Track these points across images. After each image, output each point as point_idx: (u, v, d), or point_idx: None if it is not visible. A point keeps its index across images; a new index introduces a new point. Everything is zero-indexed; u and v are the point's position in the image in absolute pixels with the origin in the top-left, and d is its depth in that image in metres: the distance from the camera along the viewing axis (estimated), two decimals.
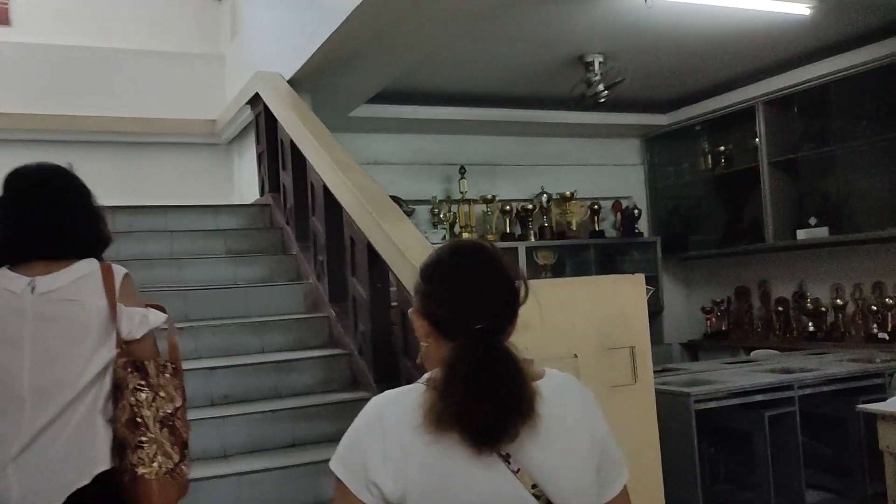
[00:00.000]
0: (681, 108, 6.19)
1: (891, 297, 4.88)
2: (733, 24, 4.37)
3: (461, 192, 5.75)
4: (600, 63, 4.80)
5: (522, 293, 1.22)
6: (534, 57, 4.81)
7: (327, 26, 3.64)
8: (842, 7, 4.11)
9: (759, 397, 3.56)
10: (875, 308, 4.96)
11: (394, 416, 1.12)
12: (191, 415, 1.79)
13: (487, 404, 1.07)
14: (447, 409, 1.07)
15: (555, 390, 1.17)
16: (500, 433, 1.08)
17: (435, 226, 5.72)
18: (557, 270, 6.04)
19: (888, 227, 4.76)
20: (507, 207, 5.86)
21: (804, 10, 4.02)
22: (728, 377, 3.83)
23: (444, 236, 5.66)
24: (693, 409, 3.40)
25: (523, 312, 1.26)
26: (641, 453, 2.77)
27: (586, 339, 2.86)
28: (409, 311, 1.28)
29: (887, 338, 4.79)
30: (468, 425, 1.07)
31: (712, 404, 3.48)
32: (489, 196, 5.78)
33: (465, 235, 5.63)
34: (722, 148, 6.01)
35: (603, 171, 6.54)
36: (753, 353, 5.04)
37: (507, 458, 1.09)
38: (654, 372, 3.01)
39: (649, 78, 5.39)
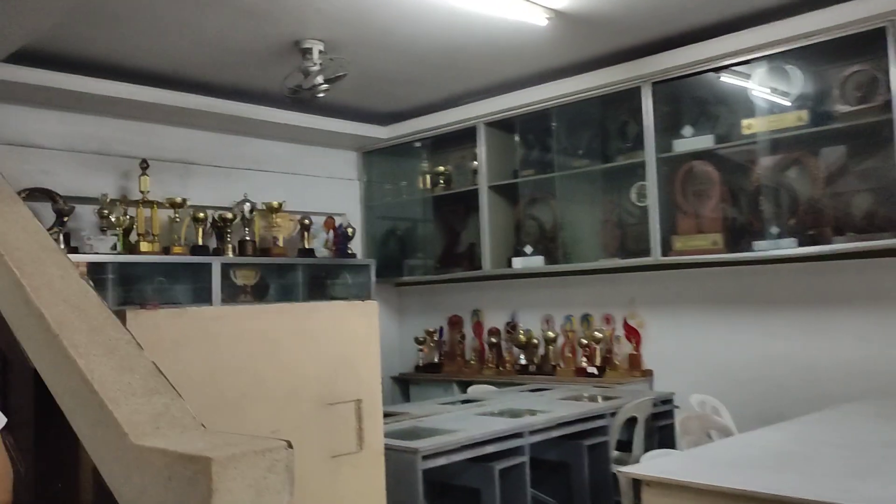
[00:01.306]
0: (402, 122, 5.76)
1: (598, 331, 4.86)
2: (470, 30, 3.99)
3: (142, 192, 4.63)
4: (320, 52, 4.11)
5: None
6: (242, 34, 3.97)
7: None
8: (578, 24, 3.92)
9: (490, 448, 3.10)
10: (584, 341, 4.92)
11: None
12: None
13: None
14: None
15: None
16: None
17: (104, 231, 4.52)
18: (259, 292, 5.18)
19: (598, 258, 4.74)
20: (202, 215, 4.87)
21: (542, 20, 3.75)
22: (453, 423, 3.33)
23: (116, 245, 4.49)
24: (420, 468, 2.81)
25: None
26: None
27: (298, 392, 2.09)
28: None
29: (596, 372, 4.75)
30: None
31: (441, 460, 2.93)
32: (178, 199, 4.74)
33: (145, 245, 4.52)
34: (442, 168, 5.69)
35: (316, 184, 5.85)
36: (470, 390, 4.69)
37: None
38: None
39: (371, 83, 4.84)
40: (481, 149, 5.25)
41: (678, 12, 3.84)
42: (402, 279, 5.94)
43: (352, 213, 6.07)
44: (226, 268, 4.90)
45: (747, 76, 4.08)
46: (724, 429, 3.36)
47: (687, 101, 4.40)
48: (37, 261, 1.72)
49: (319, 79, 4.10)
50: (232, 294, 4.97)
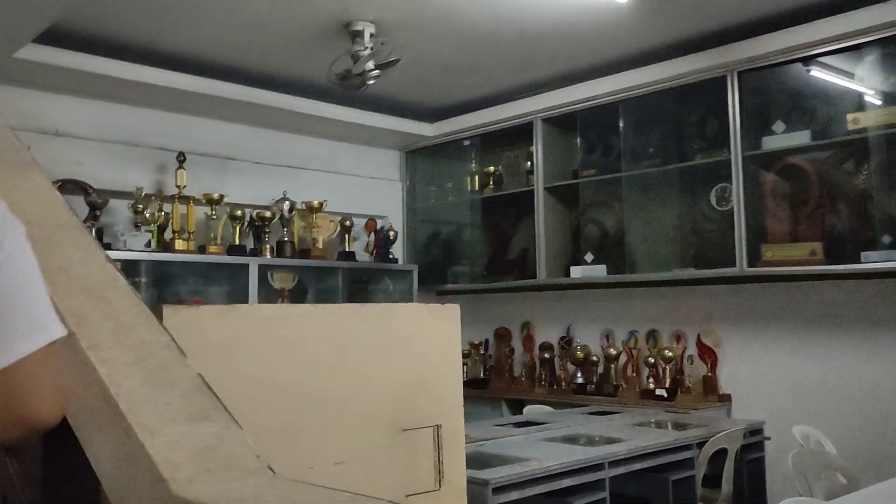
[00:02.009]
0: (450, 118, 5.38)
1: (669, 349, 4.41)
2: (540, 12, 3.60)
3: (178, 187, 4.29)
4: (371, 35, 3.75)
5: None
6: (287, 16, 3.62)
7: None
8: (661, 3, 3.51)
9: (566, 481, 2.68)
10: (651, 360, 4.47)
11: None
12: None
13: None
14: None
15: None
16: None
17: (138, 227, 4.18)
18: (297, 296, 4.81)
19: (671, 267, 4.30)
20: (239, 213, 4.52)
21: None
22: (518, 450, 2.91)
23: (150, 242, 4.14)
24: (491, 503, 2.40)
25: None
26: None
27: (368, 414, 1.70)
28: None
29: (665, 394, 4.29)
30: None
31: (514, 494, 2.51)
32: (216, 196, 4.40)
33: (180, 243, 4.17)
34: (492, 168, 5.29)
35: (357, 184, 5.49)
36: (526, 410, 4.26)
37: None
38: None
39: (421, 73, 4.46)
40: (538, 147, 4.85)
41: None
42: (446, 287, 5.53)
43: (393, 216, 5.69)
44: (263, 269, 4.54)
45: (854, 64, 3.64)
46: (844, 470, 2.89)
47: (779, 93, 3.95)
48: (52, 239, 1.34)
49: (370, 64, 3.73)
50: (269, 298, 4.61)
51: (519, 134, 5.06)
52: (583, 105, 4.61)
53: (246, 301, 4.38)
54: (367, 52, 3.69)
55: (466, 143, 5.41)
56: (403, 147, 5.75)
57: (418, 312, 1.80)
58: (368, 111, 5.13)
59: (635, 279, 4.46)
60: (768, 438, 3.60)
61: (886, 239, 3.47)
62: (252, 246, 4.66)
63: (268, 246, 4.61)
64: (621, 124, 4.50)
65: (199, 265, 4.31)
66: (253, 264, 4.44)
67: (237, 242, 4.50)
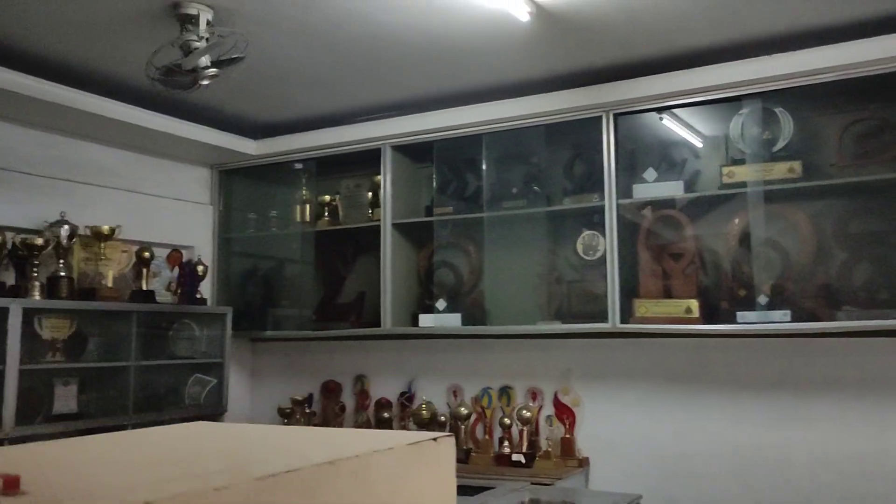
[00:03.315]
0: (278, 136, 4.61)
1: (525, 409, 3.99)
2: (418, 23, 3.04)
3: None
4: (208, 22, 2.95)
5: None
6: None
7: None
8: (558, 28, 3.11)
9: None
10: (507, 420, 4.01)
11: None
12: None
13: None
14: None
15: None
16: None
17: None
18: (73, 349, 3.73)
19: (536, 320, 3.90)
20: (0, 239, 3.40)
21: (524, 14, 2.90)
22: None
23: None
24: None
25: None
26: None
27: None
28: None
29: (523, 460, 3.85)
30: None
31: None
32: None
33: None
34: (328, 198, 4.59)
35: (157, 206, 4.50)
36: None
37: None
38: None
39: (252, 78, 3.68)
40: (386, 177, 4.25)
41: (677, 29, 3.16)
42: (265, 334, 4.70)
43: (202, 246, 4.76)
44: (29, 314, 3.44)
45: (730, 115, 3.50)
46: None
47: (652, 139, 3.74)
48: None
49: (205, 59, 2.91)
50: (34, 352, 3.51)
51: (362, 161, 4.43)
52: (441, 134, 4.10)
53: (2, 361, 3.26)
54: (203, 43, 2.87)
55: (298, 166, 4.67)
56: (215, 164, 4.86)
57: (405, 458, 1.11)
58: (174, 118, 4.21)
59: (494, 331, 4.00)
60: None
61: (763, 299, 3.32)
62: (14, 282, 3.54)
63: (37, 283, 3.52)
64: (483, 159, 4.05)
65: None
66: (15, 307, 3.33)
67: None
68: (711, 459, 3.63)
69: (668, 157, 3.70)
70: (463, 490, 3.38)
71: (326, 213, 4.57)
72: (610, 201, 3.61)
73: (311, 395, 4.73)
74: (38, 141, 3.89)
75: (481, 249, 4.16)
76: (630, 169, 3.70)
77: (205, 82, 2.94)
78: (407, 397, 4.46)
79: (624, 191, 3.64)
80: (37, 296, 3.49)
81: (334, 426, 4.53)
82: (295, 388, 4.78)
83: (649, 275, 3.59)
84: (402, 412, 4.43)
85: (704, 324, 3.39)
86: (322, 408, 4.68)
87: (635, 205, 3.66)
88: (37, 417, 3.54)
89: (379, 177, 4.31)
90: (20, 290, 3.49)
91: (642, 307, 3.54)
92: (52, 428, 3.55)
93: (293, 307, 4.70)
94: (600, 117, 3.66)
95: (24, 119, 3.77)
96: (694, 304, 3.42)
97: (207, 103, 4.08)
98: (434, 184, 4.25)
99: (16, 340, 3.32)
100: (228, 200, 4.88)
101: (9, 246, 3.49)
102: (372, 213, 4.40)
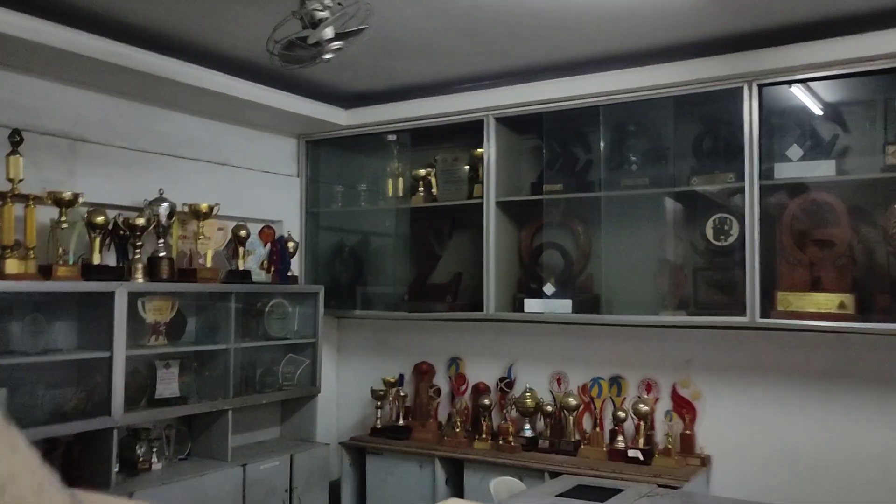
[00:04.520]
0: (370, 106, 4.35)
1: (641, 401, 3.76)
2: None
3: (10, 180, 2.93)
4: None
5: None
6: None
7: None
8: None
9: None
10: (622, 414, 3.79)
11: None
12: None
13: None
14: None
15: None
16: None
17: None
18: (174, 332, 3.58)
19: (658, 311, 3.63)
20: (101, 219, 3.22)
21: None
22: None
23: None
24: None
25: None
26: None
27: None
28: None
29: (640, 457, 3.63)
30: None
31: None
32: (67, 194, 3.07)
33: (14, 263, 2.81)
34: (423, 172, 4.34)
35: (245, 179, 4.30)
36: (493, 485, 3.39)
37: None
38: None
39: (354, 46, 3.41)
40: (490, 151, 3.98)
41: None
42: (354, 312, 4.52)
43: (289, 222, 4.56)
44: (133, 298, 3.28)
45: (893, 88, 3.15)
46: None
47: (795, 113, 3.40)
48: None
49: (329, 31, 2.65)
50: (138, 335, 3.36)
51: (460, 133, 4.16)
52: (552, 106, 3.81)
53: (110, 344, 3.11)
54: (327, 13, 2.60)
55: (391, 137, 4.41)
56: (302, 134, 4.63)
57: None
58: (261, 85, 3.96)
59: (610, 321, 3.75)
60: None
61: None
62: (118, 263, 3.38)
63: (139, 265, 3.35)
64: (600, 133, 3.75)
65: (40, 296, 2.99)
66: (121, 292, 3.17)
67: (97, 261, 3.20)
68: (855, 466, 3.37)
69: (814, 134, 3.36)
70: (585, 491, 3.20)
71: (421, 188, 4.33)
72: (751, 182, 3.30)
73: (401, 377, 4.56)
74: (130, 110, 3.68)
75: (592, 230, 3.89)
76: (771, 146, 3.38)
77: (328, 56, 2.68)
78: (507, 383, 4.26)
79: (764, 171, 3.33)
80: (140, 278, 3.32)
81: (428, 411, 4.35)
82: (383, 368, 4.60)
83: (793, 265, 3.30)
84: (501, 399, 4.23)
85: (861, 321, 3.09)
86: (414, 390, 4.51)
87: (778, 186, 3.35)
88: (140, 402, 3.42)
89: (479, 150, 4.05)
90: (123, 272, 3.33)
91: (785, 300, 3.25)
92: (158, 414, 3.42)
93: (384, 286, 4.50)
94: (741, 88, 3.33)
95: (114, 88, 3.56)
96: (848, 298, 3.12)
97: (295, 71, 3.82)
98: (544, 160, 3.96)
99: (122, 325, 3.16)
100: (316, 173, 4.66)
101: (110, 226, 3.30)
102: (471, 189, 4.15)
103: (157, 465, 3.50)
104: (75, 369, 3.17)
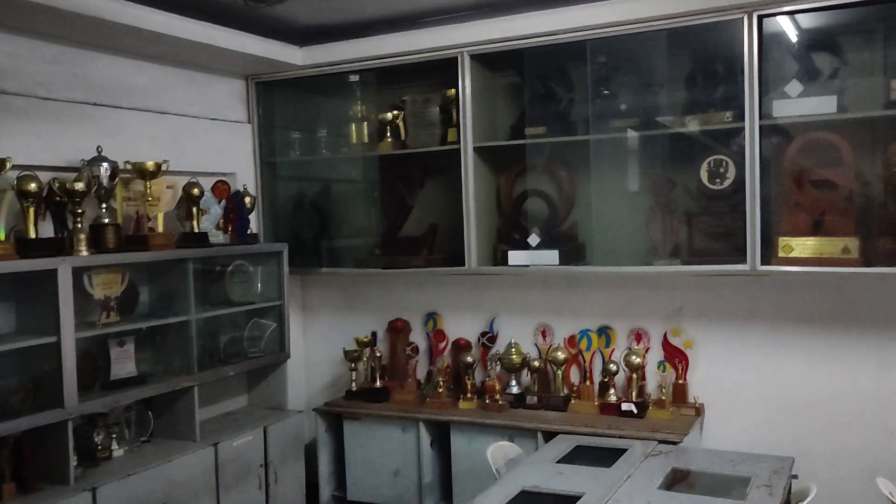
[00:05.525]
0: (329, 43, 3.94)
1: (633, 352, 3.61)
2: None
3: None
4: None
5: None
6: None
7: None
8: None
9: None
10: (612, 366, 3.64)
11: None
12: None
13: None
14: None
15: None
16: None
17: None
18: (126, 307, 3.22)
19: (652, 260, 3.44)
20: (33, 186, 2.79)
21: None
22: None
23: None
24: None
25: None
26: None
27: None
28: None
29: (634, 410, 3.50)
30: None
31: None
32: None
33: None
34: (390, 116, 3.99)
35: (190, 127, 3.87)
36: (490, 451, 3.20)
37: None
38: None
39: None
40: (465, 92, 3.65)
41: None
42: (321, 270, 4.21)
43: (242, 173, 4.17)
44: (78, 273, 2.90)
45: None
46: None
47: (792, 45, 3.18)
48: None
49: None
50: (86, 314, 2.99)
51: (430, 72, 3.82)
52: (534, 41, 3.48)
53: (56, 328, 2.74)
54: None
55: (353, 78, 4.02)
56: (251, 76, 4.19)
57: None
58: (201, 21, 3.50)
59: (601, 272, 3.56)
60: (794, 477, 2.96)
61: None
62: (55, 233, 2.97)
63: (82, 236, 2.95)
64: (588, 70, 3.46)
65: None
66: (64, 268, 2.78)
67: (33, 234, 2.79)
68: (852, 409, 3.31)
69: (813, 68, 3.15)
70: (586, 453, 3.05)
71: (389, 134, 3.98)
72: (752, 120, 3.08)
73: (374, 335, 4.30)
74: (51, 56, 3.20)
75: (578, 175, 3.65)
76: (767, 82, 3.16)
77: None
78: (488, 338, 4.06)
79: (763, 108, 3.12)
80: (84, 251, 2.93)
81: (406, 370, 4.13)
82: (353, 326, 4.34)
83: (794, 208, 3.13)
84: (484, 355, 4.03)
85: (866, 265, 2.97)
86: (390, 349, 4.27)
87: (777, 125, 3.15)
88: (94, 386, 3.07)
89: (451, 91, 3.72)
90: (63, 244, 2.93)
91: (787, 246, 3.10)
92: (117, 399, 3.09)
93: (352, 239, 4.19)
94: (740, 20, 3.08)
95: (32, 29, 3.07)
96: (853, 242, 2.98)
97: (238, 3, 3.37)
98: (525, 99, 3.66)
99: (68, 305, 2.79)
100: (269, 118, 4.25)
101: (44, 192, 2.88)
102: (444, 133, 3.83)
103: (118, 452, 3.20)
104: (17, 358, 2.80)
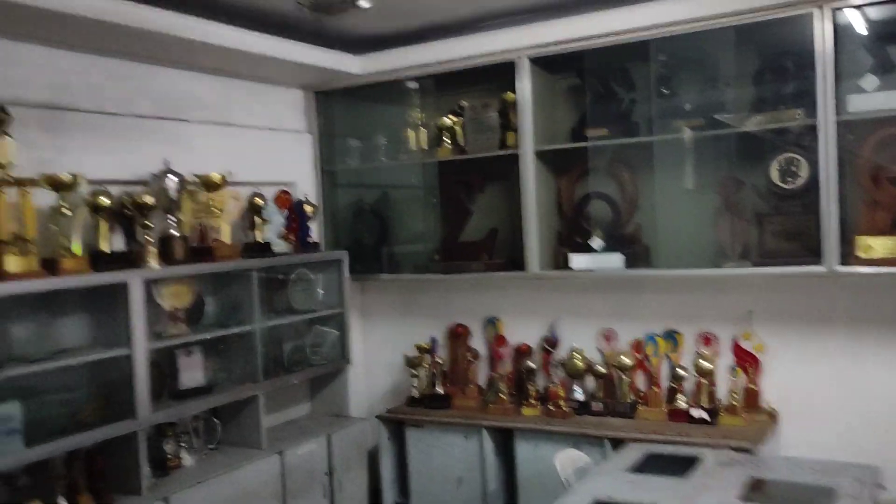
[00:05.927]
0: (386, 50, 3.94)
1: (704, 358, 3.51)
2: None
3: (0, 165, 2.56)
4: None
5: None
6: None
7: None
8: None
9: None
10: (681, 371, 3.55)
11: None
12: None
13: None
14: None
15: None
16: None
17: None
18: (194, 317, 3.27)
19: (721, 262, 3.34)
20: (105, 200, 2.86)
21: None
22: None
23: None
24: None
25: None
26: None
27: None
28: None
29: (707, 417, 3.41)
30: None
31: None
32: (65, 176, 2.70)
33: (14, 260, 2.47)
34: (450, 121, 3.97)
35: (251, 138, 3.92)
36: (558, 459, 3.16)
37: None
38: None
39: None
40: (524, 96, 3.61)
41: None
42: (381, 276, 4.21)
43: (303, 182, 4.21)
44: (149, 285, 2.96)
45: None
46: None
47: (867, 38, 3.05)
48: None
49: None
50: (154, 324, 3.05)
51: (487, 76, 3.78)
52: (595, 42, 3.42)
53: (127, 339, 2.80)
54: None
55: (411, 84, 4.02)
56: (312, 86, 4.23)
57: None
58: (261, 33, 3.53)
59: (668, 275, 3.47)
60: (884, 488, 2.83)
61: None
62: (127, 248, 3.04)
63: (152, 249, 3.01)
64: (650, 70, 3.38)
65: (44, 296, 2.65)
66: (134, 281, 2.84)
67: (106, 248, 2.86)
68: None
69: (888, 61, 3.02)
70: (658, 461, 2.97)
71: (448, 139, 3.96)
72: (825, 117, 2.97)
73: (434, 341, 4.28)
74: (121, 71, 3.27)
75: (641, 177, 3.58)
76: (841, 77, 3.03)
77: (364, 4, 2.29)
78: (550, 343, 4.00)
79: (838, 104, 2.99)
80: (154, 263, 2.99)
81: (467, 376, 4.10)
82: (413, 332, 4.33)
83: (872, 206, 3.00)
84: (546, 360, 3.97)
85: None
86: (450, 355, 4.25)
87: (853, 121, 3.02)
88: (162, 395, 3.13)
89: (510, 94, 3.68)
90: (133, 257, 2.99)
91: (865, 245, 2.97)
92: (187, 409, 3.14)
93: (412, 245, 4.19)
94: (810, 14, 2.97)
95: (102, 47, 3.14)
96: None
97: (299, 14, 3.38)
98: (587, 101, 3.60)
99: (140, 317, 2.85)
100: (329, 127, 4.28)
101: (115, 205, 2.95)
102: (503, 137, 3.79)
103: (187, 461, 3.24)
104: (88, 370, 2.86)
